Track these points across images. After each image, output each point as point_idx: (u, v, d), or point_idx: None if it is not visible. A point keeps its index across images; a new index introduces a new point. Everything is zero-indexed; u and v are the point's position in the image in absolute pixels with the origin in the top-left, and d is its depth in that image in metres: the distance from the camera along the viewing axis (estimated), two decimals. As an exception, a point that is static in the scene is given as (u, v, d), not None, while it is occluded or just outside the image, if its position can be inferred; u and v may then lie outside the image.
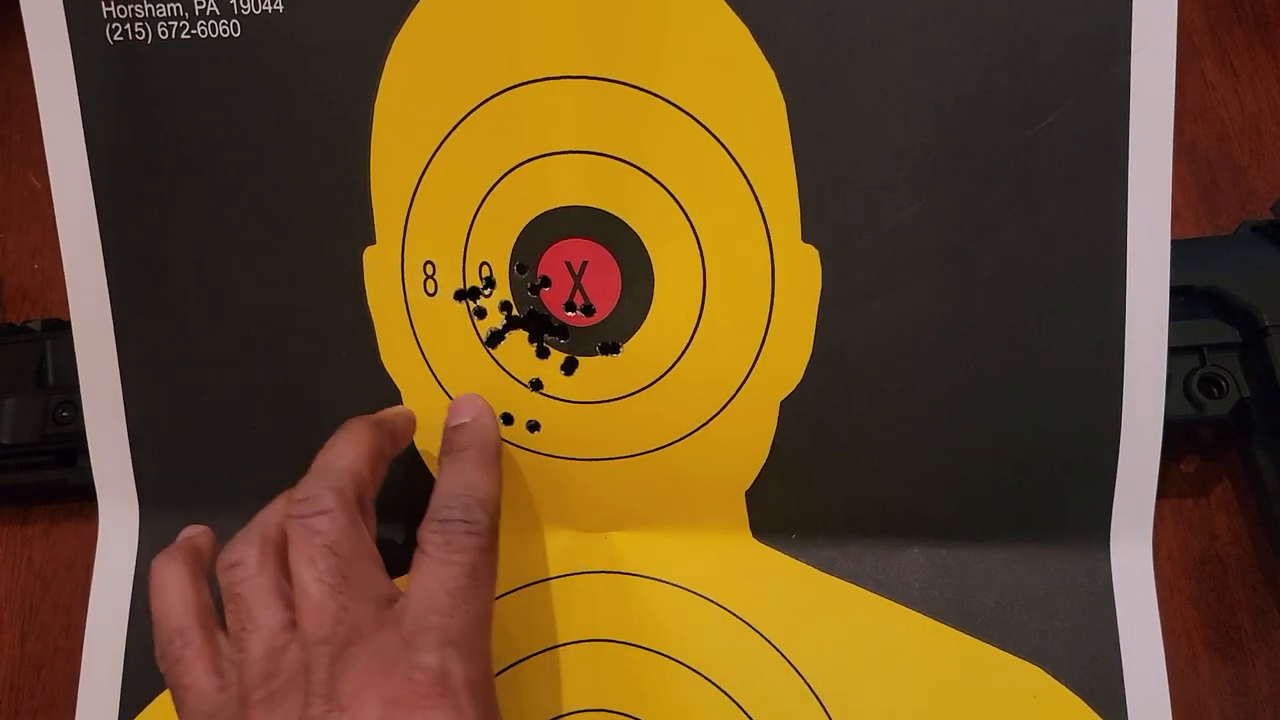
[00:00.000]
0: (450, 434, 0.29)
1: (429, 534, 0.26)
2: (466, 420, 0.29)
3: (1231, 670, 0.34)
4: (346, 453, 0.27)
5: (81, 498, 0.36)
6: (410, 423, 0.30)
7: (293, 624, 0.24)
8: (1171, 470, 0.36)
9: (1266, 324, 0.31)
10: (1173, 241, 0.28)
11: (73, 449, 0.36)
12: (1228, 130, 0.40)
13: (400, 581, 0.26)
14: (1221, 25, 0.41)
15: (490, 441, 0.29)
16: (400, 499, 0.31)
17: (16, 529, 0.38)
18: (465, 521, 0.26)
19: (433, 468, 0.31)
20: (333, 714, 0.22)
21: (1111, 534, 0.29)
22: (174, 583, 0.27)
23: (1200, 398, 0.32)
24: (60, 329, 0.37)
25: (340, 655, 0.23)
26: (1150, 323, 0.28)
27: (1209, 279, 0.32)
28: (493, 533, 0.27)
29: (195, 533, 0.29)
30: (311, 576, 0.24)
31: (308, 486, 0.26)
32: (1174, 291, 0.28)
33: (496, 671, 0.31)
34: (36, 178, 0.43)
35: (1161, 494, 0.31)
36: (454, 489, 0.27)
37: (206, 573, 0.28)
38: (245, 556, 0.25)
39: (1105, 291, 0.28)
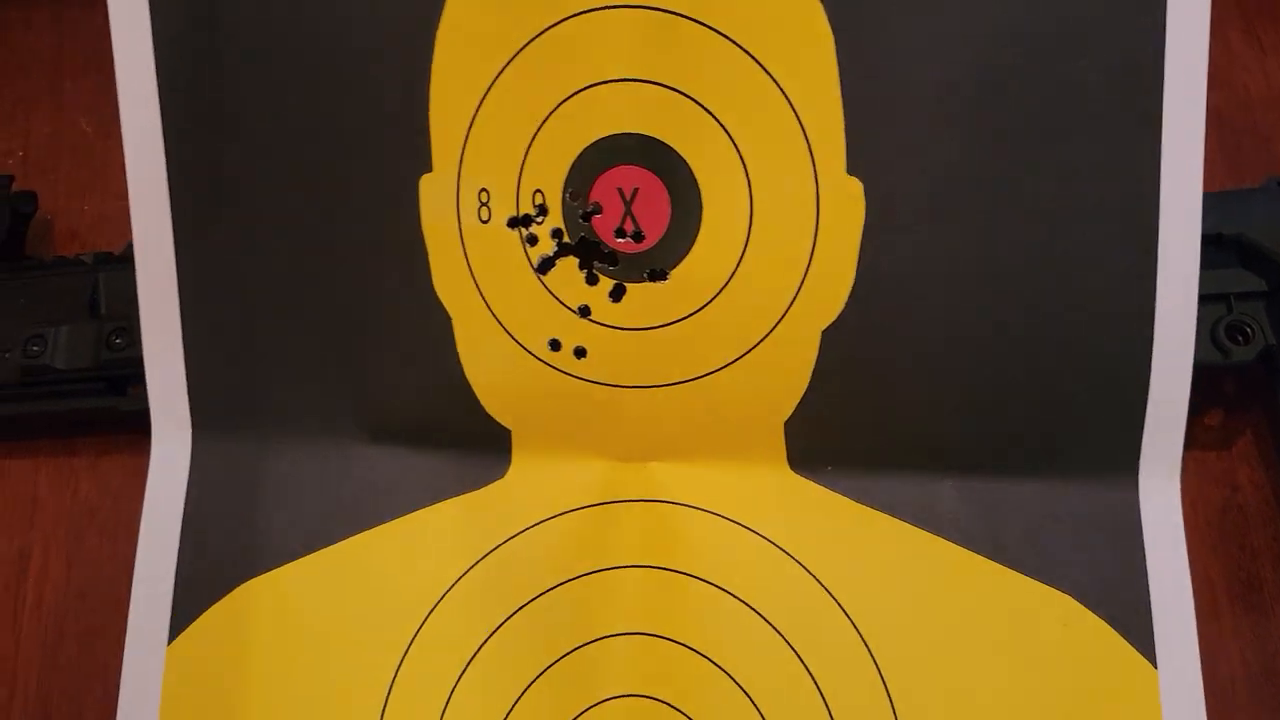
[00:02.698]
0: None
1: None
2: None
3: (1252, 616, 0.34)
4: None
5: (130, 427, 0.37)
6: None
7: None
8: (1195, 423, 0.36)
9: (1293, 272, 0.32)
10: (1203, 194, 0.29)
11: (124, 377, 0.36)
12: (1252, 99, 0.41)
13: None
14: (1248, -3, 0.42)
15: None
16: (443, 424, 0.32)
17: (64, 460, 0.39)
18: None
19: (482, 396, 0.32)
20: None
21: (1140, 468, 0.30)
22: None
23: (1227, 344, 0.33)
24: (111, 263, 0.38)
25: None
26: (1182, 259, 0.29)
27: (1236, 228, 0.33)
28: None
29: None
30: None
31: None
32: (1203, 240, 0.29)
33: (537, 594, 0.32)
34: (87, 123, 0.44)
35: (1185, 445, 0.32)
36: None
37: None
38: None
39: (1139, 227, 0.29)
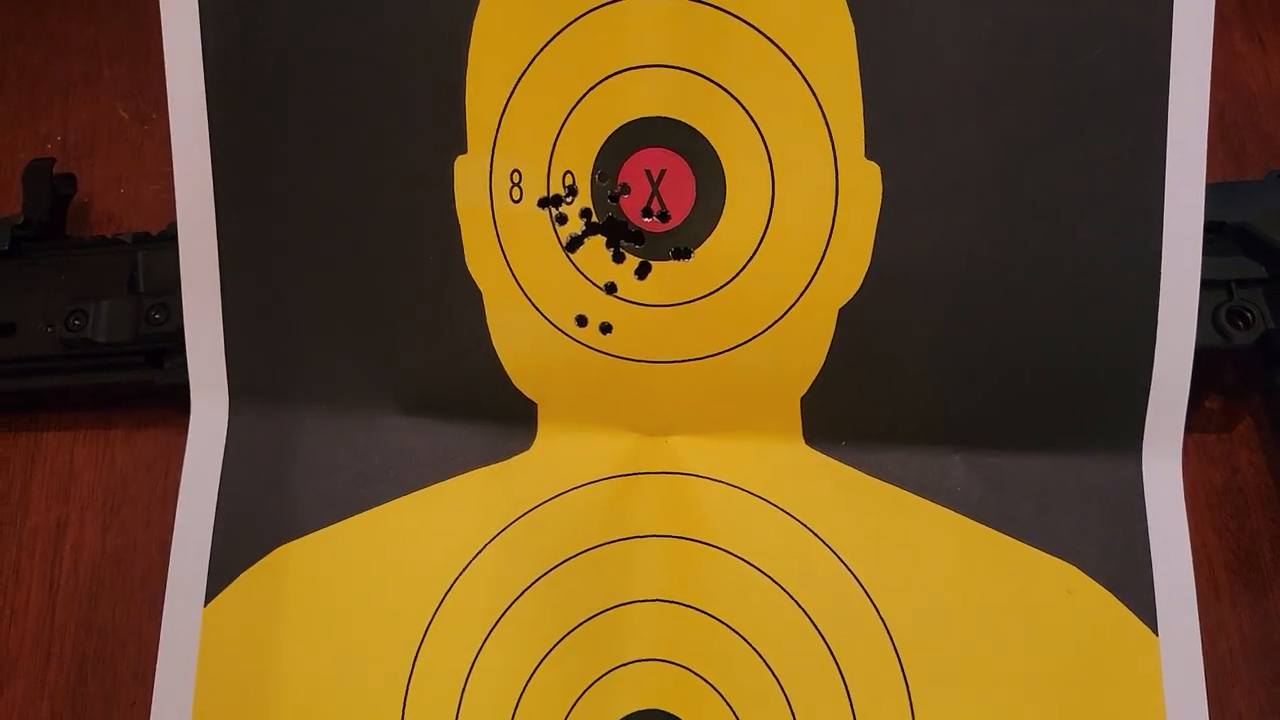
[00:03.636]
0: None
1: None
2: None
3: (1251, 593, 0.35)
4: None
5: (165, 401, 0.38)
6: None
7: None
8: (1196, 407, 0.38)
9: (1291, 259, 0.33)
10: (1205, 184, 0.30)
11: (161, 351, 0.38)
12: (1256, 99, 0.42)
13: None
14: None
15: None
16: (472, 397, 0.33)
17: (100, 432, 0.40)
18: None
19: (510, 370, 0.33)
20: None
21: (1144, 444, 0.31)
22: None
23: (1228, 328, 0.34)
24: (150, 241, 0.39)
25: None
26: (1185, 245, 0.30)
27: (1238, 218, 0.34)
28: None
29: None
30: None
31: None
32: (1204, 228, 0.31)
33: (559, 562, 0.33)
34: (124, 109, 0.45)
35: (1187, 429, 0.33)
36: None
37: None
38: None
39: (1145, 214, 0.30)
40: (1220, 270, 0.34)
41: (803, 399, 0.33)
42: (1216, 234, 0.35)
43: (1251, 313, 0.34)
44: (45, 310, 0.38)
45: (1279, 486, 0.37)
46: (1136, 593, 0.31)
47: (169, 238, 0.37)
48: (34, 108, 0.46)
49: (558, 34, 0.31)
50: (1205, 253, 0.30)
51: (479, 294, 0.33)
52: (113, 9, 0.47)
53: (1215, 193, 0.34)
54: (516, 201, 0.32)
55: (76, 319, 0.38)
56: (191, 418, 0.35)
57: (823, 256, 0.31)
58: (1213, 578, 0.36)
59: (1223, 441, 0.37)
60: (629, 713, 0.31)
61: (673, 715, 0.31)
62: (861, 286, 0.31)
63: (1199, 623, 0.31)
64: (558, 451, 0.34)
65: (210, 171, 0.34)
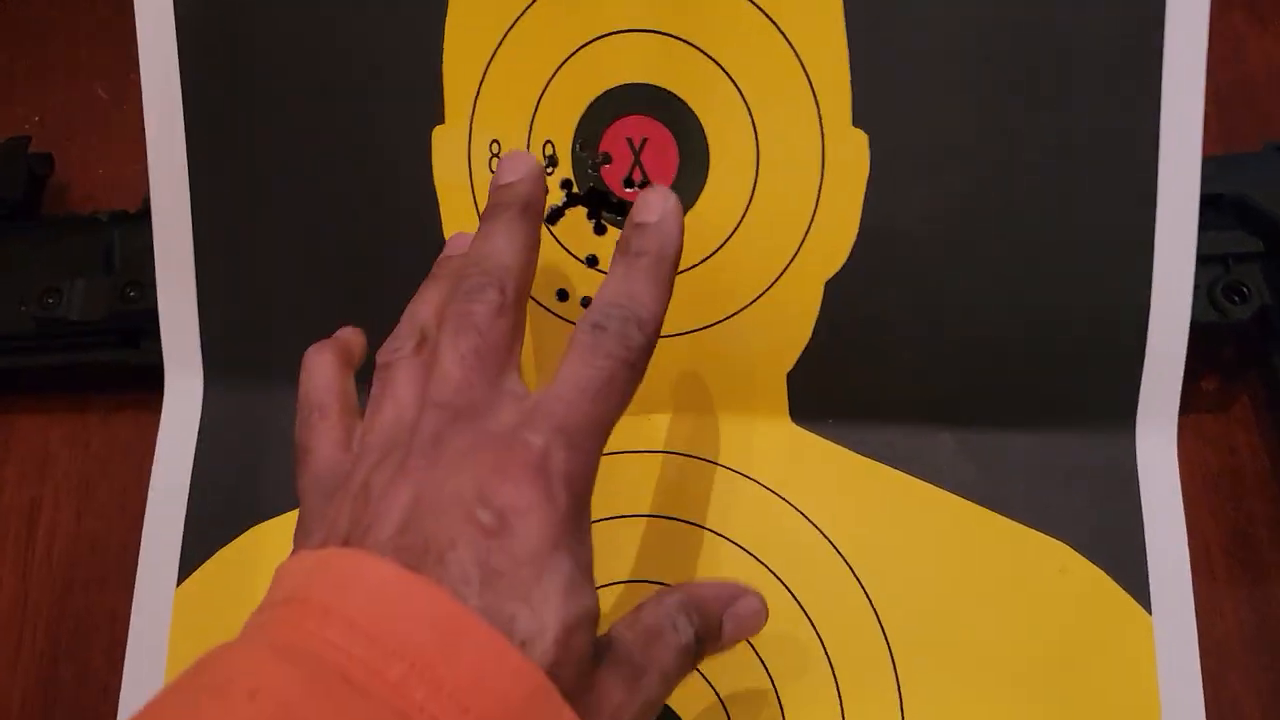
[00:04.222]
0: (630, 232, 0.26)
1: (580, 333, 0.25)
2: (651, 220, 0.26)
3: (1248, 577, 0.35)
4: (504, 248, 0.26)
5: (140, 383, 0.38)
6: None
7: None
8: (1193, 387, 0.37)
9: (1289, 233, 0.32)
10: (1203, 157, 0.29)
11: (136, 330, 0.37)
12: (1256, 78, 0.42)
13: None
14: (1250, -23, 0.43)
15: (669, 254, 0.26)
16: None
17: (75, 416, 0.40)
18: (620, 334, 0.25)
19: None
20: (427, 469, 0.22)
21: (1138, 421, 0.31)
22: (322, 366, 0.28)
23: (1224, 304, 0.33)
24: (127, 220, 0.38)
25: (453, 421, 0.23)
26: (1180, 217, 0.30)
27: (1235, 190, 0.33)
28: (644, 351, 0.25)
29: (349, 333, 0.30)
30: (450, 347, 0.24)
31: (472, 278, 0.25)
32: (1201, 201, 0.30)
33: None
34: (103, 89, 0.45)
35: (1182, 410, 0.33)
36: (618, 297, 0.25)
37: (353, 369, 0.29)
38: (403, 344, 0.26)
39: (1138, 184, 0.29)
40: (1216, 244, 0.33)
41: (789, 375, 0.32)
42: (1213, 208, 0.34)
43: (1248, 288, 0.33)
44: (19, 289, 0.37)
45: (1277, 469, 0.36)
46: (1130, 572, 0.30)
47: (146, 215, 0.36)
48: (12, 88, 0.45)
49: (534, 1, 0.30)
50: (1201, 226, 0.30)
51: (459, 267, 0.32)
52: (93, -7, 0.47)
53: (1211, 165, 0.33)
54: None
55: (50, 297, 0.37)
56: (165, 395, 0.35)
57: (809, 228, 0.30)
58: (1209, 562, 0.35)
59: (1220, 423, 0.37)
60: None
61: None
62: (849, 259, 0.31)
63: (1196, 606, 0.31)
64: (539, 430, 0.33)
65: (184, 146, 0.33)
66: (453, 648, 0.20)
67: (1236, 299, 0.33)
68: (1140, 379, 0.31)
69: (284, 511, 0.33)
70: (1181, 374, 0.30)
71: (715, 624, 0.26)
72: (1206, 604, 0.34)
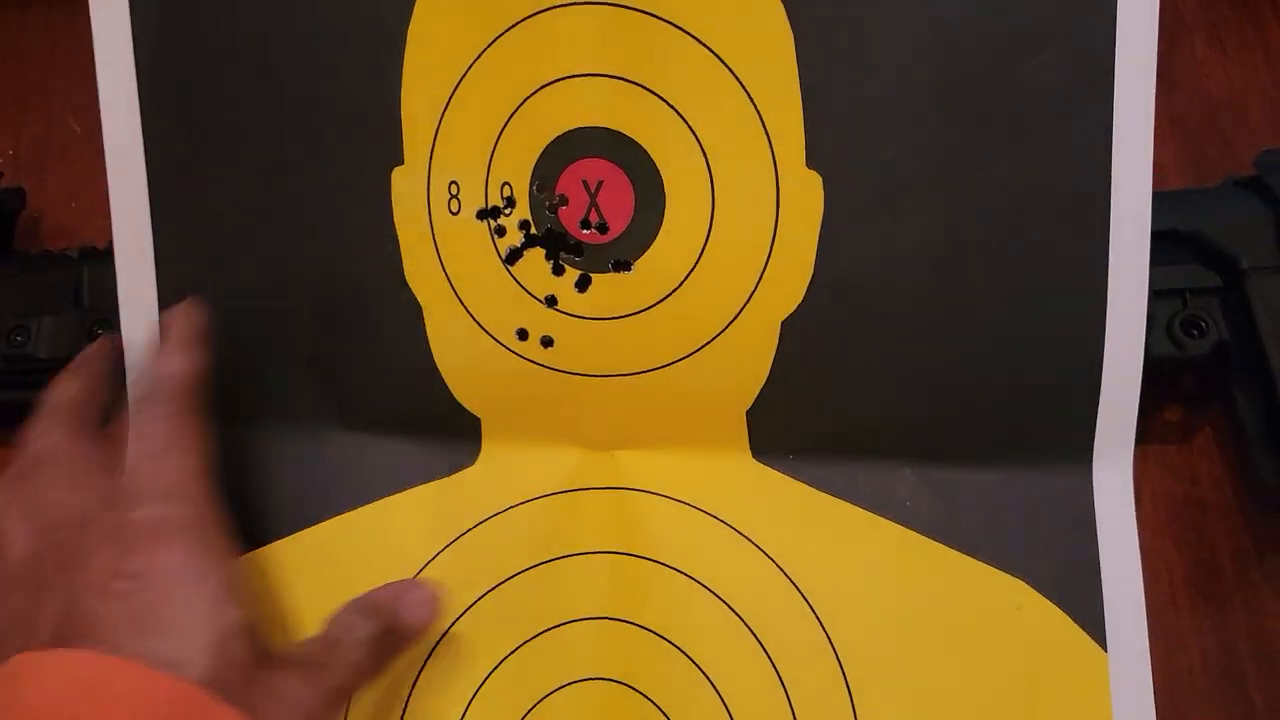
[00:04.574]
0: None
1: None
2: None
3: (1210, 607, 0.35)
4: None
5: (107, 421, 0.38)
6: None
7: None
8: (1155, 418, 0.37)
9: (1246, 267, 0.33)
10: (1160, 192, 0.30)
11: (105, 367, 0.37)
12: (1216, 103, 0.42)
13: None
14: (1211, 3, 0.43)
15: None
16: (415, 412, 0.33)
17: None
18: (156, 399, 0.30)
19: (453, 385, 0.33)
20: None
21: (1094, 456, 0.31)
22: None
23: (1182, 338, 0.33)
24: (96, 256, 0.39)
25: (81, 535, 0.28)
26: (1132, 252, 0.30)
27: (1192, 225, 0.34)
28: (182, 398, 0.30)
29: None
30: None
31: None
32: (1159, 236, 0.30)
33: (504, 579, 0.33)
34: (76, 122, 0.45)
35: (1145, 440, 0.33)
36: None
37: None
38: None
39: (1090, 219, 0.30)
40: (1174, 279, 0.34)
41: (748, 412, 0.32)
42: (1171, 242, 0.34)
43: (1206, 322, 0.33)
44: (-12, 326, 0.38)
45: (1238, 497, 0.36)
46: (1086, 609, 0.30)
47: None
48: (-13, 121, 0.46)
49: (492, 43, 0.30)
50: (1159, 261, 0.30)
51: (419, 307, 0.33)
52: (67, 23, 0.47)
53: (1169, 200, 0.33)
54: (455, 213, 0.32)
55: (18, 335, 0.37)
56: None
57: (764, 268, 0.31)
58: (1172, 592, 0.35)
59: (1182, 453, 0.37)
60: (572, 733, 0.31)
61: (615, 736, 0.30)
62: (804, 298, 0.31)
63: (1159, 638, 0.31)
64: (502, 467, 0.34)
65: (146, 192, 0.33)
66: (99, 691, 0.24)
67: (1195, 333, 0.33)
68: (1096, 415, 0.31)
69: (254, 547, 0.33)
70: (1136, 411, 0.31)
71: (391, 615, 0.30)
72: (1169, 636, 0.34)
